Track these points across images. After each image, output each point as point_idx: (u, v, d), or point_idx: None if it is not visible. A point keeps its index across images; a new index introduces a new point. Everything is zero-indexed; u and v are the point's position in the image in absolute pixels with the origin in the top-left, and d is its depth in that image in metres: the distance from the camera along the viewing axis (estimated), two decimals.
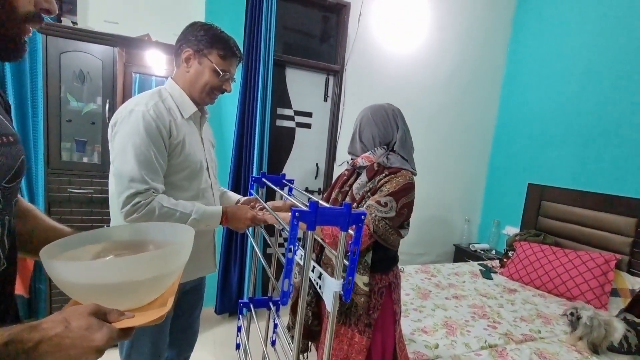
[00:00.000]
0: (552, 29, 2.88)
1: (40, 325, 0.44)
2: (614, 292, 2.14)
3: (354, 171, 1.38)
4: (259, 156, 2.41)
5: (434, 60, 2.99)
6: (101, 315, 0.48)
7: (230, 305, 2.49)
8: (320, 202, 0.75)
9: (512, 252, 2.70)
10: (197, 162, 1.13)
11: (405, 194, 1.17)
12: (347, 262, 0.75)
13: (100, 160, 1.94)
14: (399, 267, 1.41)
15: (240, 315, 1.30)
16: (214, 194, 1.24)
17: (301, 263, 0.77)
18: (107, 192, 1.12)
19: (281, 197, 1.43)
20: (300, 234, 0.76)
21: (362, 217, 0.72)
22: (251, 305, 1.24)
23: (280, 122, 2.73)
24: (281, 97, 2.69)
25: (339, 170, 2.85)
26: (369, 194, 1.21)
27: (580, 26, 2.66)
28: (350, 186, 1.34)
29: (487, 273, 2.59)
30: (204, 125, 1.24)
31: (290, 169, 2.80)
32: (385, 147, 1.28)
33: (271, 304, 1.29)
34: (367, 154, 1.27)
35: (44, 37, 1.73)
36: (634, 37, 2.32)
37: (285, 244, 0.73)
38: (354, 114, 2.86)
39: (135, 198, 0.96)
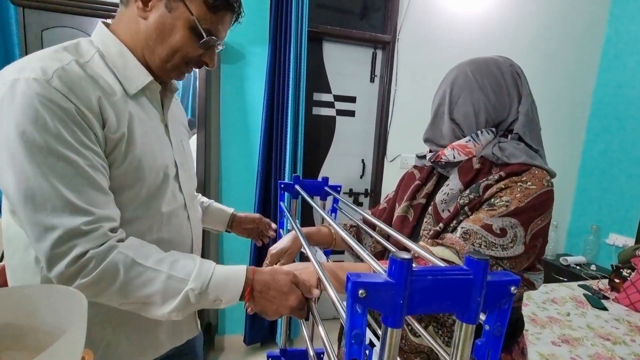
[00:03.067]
0: None
1: None
2: None
3: (432, 171, 0.85)
4: (292, 154, 1.96)
5: (512, 21, 2.37)
6: None
7: (262, 333, 2.08)
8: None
9: (630, 271, 2.03)
10: (159, 168, 0.66)
11: (540, 214, 0.65)
12: None
13: None
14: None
15: None
16: (189, 217, 0.76)
17: None
18: None
19: (325, 213, 0.96)
20: None
21: (512, 288, 0.32)
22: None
23: (317, 110, 2.27)
24: (318, 80, 2.23)
25: (390, 167, 2.32)
26: (466, 209, 0.69)
27: None
28: (429, 196, 0.82)
29: (597, 301, 1.94)
30: (171, 105, 0.76)
31: (329, 168, 2.34)
32: (493, 130, 0.74)
33: None
34: (463, 142, 0.74)
35: (21, 10, 1.37)
36: None
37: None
38: (408, 97, 2.35)
39: (73, 247, 0.52)
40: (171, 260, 0.58)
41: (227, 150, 2.03)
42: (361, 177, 2.40)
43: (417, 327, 0.58)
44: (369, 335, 0.51)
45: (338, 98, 2.29)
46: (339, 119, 2.32)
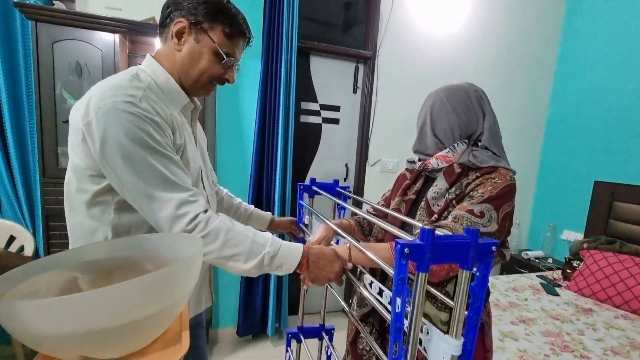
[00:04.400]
0: None
1: None
2: None
3: (419, 173, 1.05)
4: (282, 158, 2.11)
5: (478, 41, 2.62)
6: None
7: (254, 326, 2.21)
8: (437, 230, 0.50)
9: (578, 262, 2.31)
10: (196, 170, 0.85)
11: (507, 200, 0.85)
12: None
13: None
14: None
15: (288, 348, 1.15)
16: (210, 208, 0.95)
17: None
18: None
19: (334, 210, 1.13)
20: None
21: (493, 248, 0.49)
22: (301, 336, 1.10)
23: (305, 118, 2.43)
24: (305, 90, 2.39)
25: (371, 171, 2.52)
26: (453, 202, 0.89)
27: None
28: (417, 193, 1.02)
29: (550, 288, 2.21)
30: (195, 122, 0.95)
31: (316, 171, 2.50)
32: (466, 141, 0.95)
33: (324, 334, 1.12)
34: (444, 152, 0.94)
35: (34, 23, 1.47)
36: None
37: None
38: (387, 107, 2.57)
39: (186, 213, 0.69)
40: (253, 231, 0.75)
41: (222, 153, 2.16)
42: (345, 180, 2.58)
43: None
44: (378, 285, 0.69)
45: (324, 107, 2.46)
46: (324, 126, 2.49)
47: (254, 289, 2.18)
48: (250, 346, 2.19)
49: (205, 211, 0.71)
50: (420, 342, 0.55)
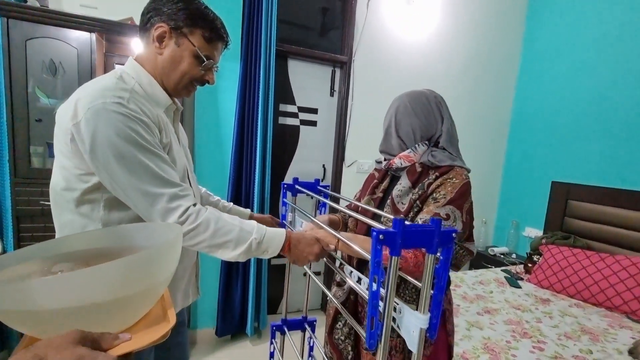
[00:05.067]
0: (573, 12, 2.67)
1: None
2: None
3: (386, 173, 1.13)
4: (261, 158, 2.15)
5: (446, 50, 2.77)
6: (90, 342, 0.38)
7: (233, 326, 2.22)
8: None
9: (538, 257, 2.49)
10: (182, 167, 0.89)
11: (466, 198, 0.94)
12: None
13: None
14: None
15: (272, 340, 1.22)
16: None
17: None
18: None
19: (316, 207, 1.19)
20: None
21: (454, 234, 0.58)
22: (285, 328, 1.17)
23: (283, 120, 2.48)
24: (284, 92, 2.44)
25: (347, 171, 2.60)
26: (417, 202, 0.97)
27: (604, 9, 2.46)
28: (384, 192, 1.10)
29: (513, 281, 2.37)
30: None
31: (294, 171, 2.55)
32: (426, 142, 1.04)
33: (306, 325, 1.20)
34: (406, 153, 1.03)
35: (5, 20, 1.44)
36: None
37: None
38: (362, 110, 2.67)
39: (178, 206, 0.73)
40: (240, 220, 0.80)
41: (200, 154, 2.16)
42: (322, 180, 2.65)
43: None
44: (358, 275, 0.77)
45: (302, 109, 2.52)
46: (302, 128, 2.54)
47: (233, 289, 2.20)
48: (229, 346, 2.20)
49: (195, 204, 0.76)
50: (395, 321, 0.63)
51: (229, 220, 0.79)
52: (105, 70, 1.69)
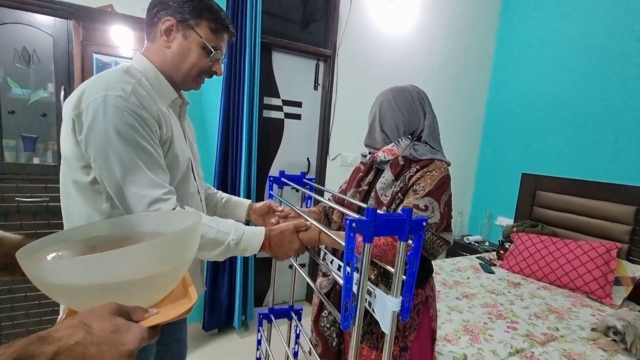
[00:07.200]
0: (543, 11, 2.82)
1: (52, 334, 0.37)
2: (616, 281, 2.13)
3: (371, 166, 1.17)
4: (247, 151, 2.14)
5: (427, 45, 2.85)
6: (124, 314, 0.43)
7: (220, 319, 2.23)
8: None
9: (509, 244, 2.66)
10: (185, 161, 0.89)
11: (444, 190, 0.99)
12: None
13: (56, 161, 1.59)
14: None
15: (259, 328, 1.25)
16: (201, 200, 1.00)
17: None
18: None
19: (302, 199, 1.22)
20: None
21: (424, 223, 0.62)
22: (272, 317, 1.20)
23: (268, 113, 2.47)
24: (268, 85, 2.42)
25: (331, 164, 2.64)
26: (399, 194, 1.01)
27: (573, 8, 2.62)
28: (370, 185, 1.14)
29: (487, 267, 2.52)
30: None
31: (279, 164, 2.56)
32: (409, 137, 1.08)
33: (293, 314, 1.23)
34: (389, 147, 1.07)
35: None
36: (631, 20, 2.30)
37: None
38: (346, 104, 2.71)
39: (159, 209, 0.73)
40: (218, 221, 0.81)
41: None
42: (307, 173, 2.67)
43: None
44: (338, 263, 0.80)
45: (286, 102, 2.51)
46: (287, 121, 2.54)
47: (219, 282, 2.20)
48: (216, 340, 2.21)
49: (174, 209, 0.76)
50: (370, 305, 0.67)
51: (207, 222, 0.79)
52: (83, 61, 1.61)
